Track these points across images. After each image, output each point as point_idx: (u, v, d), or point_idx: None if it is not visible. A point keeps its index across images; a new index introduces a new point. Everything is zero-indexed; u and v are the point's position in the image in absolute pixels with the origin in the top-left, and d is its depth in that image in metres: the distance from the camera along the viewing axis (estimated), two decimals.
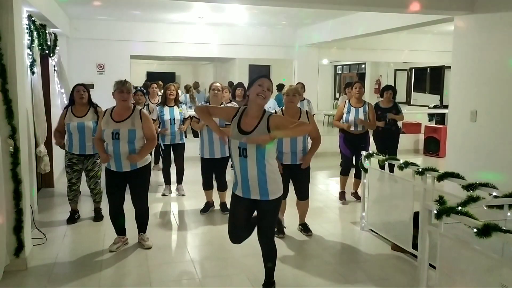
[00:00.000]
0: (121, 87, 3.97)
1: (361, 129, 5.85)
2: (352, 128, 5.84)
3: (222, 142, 4.94)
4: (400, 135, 7.09)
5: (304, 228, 4.74)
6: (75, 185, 4.98)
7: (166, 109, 5.94)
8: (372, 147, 6.52)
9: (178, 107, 6.05)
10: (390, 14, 6.18)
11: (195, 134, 9.64)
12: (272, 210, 3.16)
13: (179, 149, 6.17)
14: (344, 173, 6.00)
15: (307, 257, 4.20)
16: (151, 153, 6.74)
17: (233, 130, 3.05)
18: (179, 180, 6.32)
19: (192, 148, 6.67)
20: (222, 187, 5.37)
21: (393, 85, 13.92)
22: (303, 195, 4.63)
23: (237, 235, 3.30)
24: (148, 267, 3.89)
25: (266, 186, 3.04)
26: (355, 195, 6.08)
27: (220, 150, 5.16)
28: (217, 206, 5.51)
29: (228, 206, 3.57)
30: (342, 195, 6.04)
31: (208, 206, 5.47)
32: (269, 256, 3.28)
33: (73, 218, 5.05)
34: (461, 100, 5.21)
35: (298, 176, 4.52)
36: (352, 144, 5.92)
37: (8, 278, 3.58)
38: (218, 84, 5.12)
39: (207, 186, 5.40)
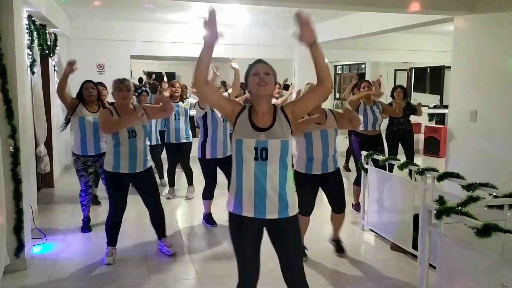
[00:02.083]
0: (120, 85, 3.77)
1: (377, 129, 5.48)
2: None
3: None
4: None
5: (338, 246, 4.26)
6: (91, 188, 4.81)
7: None
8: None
9: (183, 102, 6.11)
10: (390, 14, 6.17)
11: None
12: (297, 231, 2.46)
13: (184, 148, 6.08)
14: (360, 182, 5.22)
15: (307, 256, 4.20)
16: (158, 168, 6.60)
17: (243, 129, 2.38)
18: (190, 181, 6.13)
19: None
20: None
21: (393, 85, 13.95)
22: (341, 206, 4.08)
23: (251, 279, 2.47)
24: (148, 267, 3.89)
25: (286, 198, 2.37)
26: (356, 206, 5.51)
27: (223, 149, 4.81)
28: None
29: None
30: (358, 207, 5.38)
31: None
32: None
33: (88, 225, 4.79)
34: (461, 100, 5.21)
35: (332, 186, 4.01)
36: (367, 148, 5.19)
37: (8, 278, 3.58)
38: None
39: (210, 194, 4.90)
